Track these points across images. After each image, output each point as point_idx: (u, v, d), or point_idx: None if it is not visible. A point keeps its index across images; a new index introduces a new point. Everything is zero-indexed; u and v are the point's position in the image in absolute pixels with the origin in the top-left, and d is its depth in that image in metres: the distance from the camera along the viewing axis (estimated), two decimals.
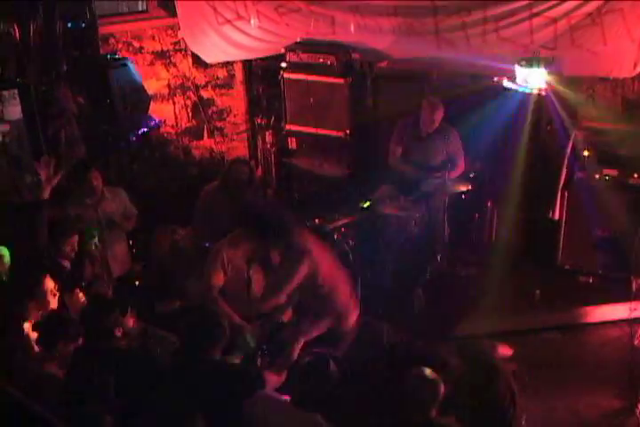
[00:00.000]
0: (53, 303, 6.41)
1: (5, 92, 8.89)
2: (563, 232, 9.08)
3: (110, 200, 8.35)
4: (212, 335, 5.65)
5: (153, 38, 10.89)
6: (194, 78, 11.23)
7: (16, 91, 8.85)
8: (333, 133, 10.38)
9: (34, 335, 6.10)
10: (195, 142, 11.51)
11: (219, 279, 7.21)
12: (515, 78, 8.81)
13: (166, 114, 11.13)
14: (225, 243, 7.33)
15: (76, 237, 7.23)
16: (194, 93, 11.28)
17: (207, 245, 8.30)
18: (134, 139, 9.81)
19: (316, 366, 5.34)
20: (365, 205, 9.46)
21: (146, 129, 10.18)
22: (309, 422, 5.19)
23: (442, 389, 5.16)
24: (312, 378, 5.28)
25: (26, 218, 7.29)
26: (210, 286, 7.19)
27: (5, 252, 6.92)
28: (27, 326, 6.22)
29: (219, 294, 7.22)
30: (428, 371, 5.22)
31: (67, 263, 7.18)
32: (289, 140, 11.14)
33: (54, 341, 5.91)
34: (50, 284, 6.40)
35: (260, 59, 11.01)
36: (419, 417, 5.07)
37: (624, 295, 8.35)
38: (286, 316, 7.38)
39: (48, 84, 9.09)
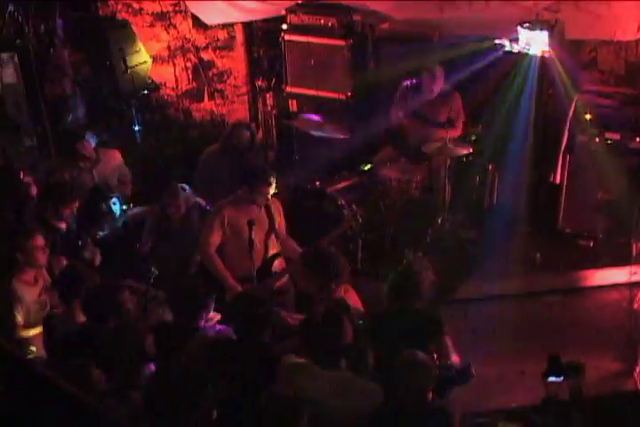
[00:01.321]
0: (42, 259, 6.43)
1: (3, 55, 8.88)
2: (564, 196, 9.07)
3: (105, 162, 8.33)
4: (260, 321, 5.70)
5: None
6: (194, 40, 11.17)
7: (14, 54, 8.85)
8: (334, 96, 10.32)
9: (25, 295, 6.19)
10: (195, 105, 11.47)
11: (216, 237, 7.26)
12: (517, 41, 8.75)
13: (166, 76, 11.10)
14: (226, 203, 7.36)
15: (76, 203, 7.23)
16: (194, 55, 11.22)
17: (208, 207, 8.33)
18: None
19: (330, 320, 5.32)
20: (366, 168, 9.47)
21: (146, 91, 10.18)
22: (340, 379, 5.20)
23: (435, 371, 5.19)
24: (328, 334, 5.24)
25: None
26: (207, 242, 7.24)
27: None
28: (17, 284, 6.28)
29: (216, 253, 7.27)
30: (420, 355, 5.23)
31: (63, 225, 7.20)
32: (290, 102, 11.10)
33: (71, 297, 5.97)
34: (40, 240, 6.42)
35: (261, 20, 10.94)
36: (414, 402, 5.09)
37: (624, 259, 8.40)
38: (281, 282, 7.45)
39: (46, 46, 9.06)
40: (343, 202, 8.94)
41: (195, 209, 8.02)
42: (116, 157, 8.57)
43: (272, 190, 7.29)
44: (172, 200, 7.85)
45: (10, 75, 9.36)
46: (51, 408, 3.08)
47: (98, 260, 7.22)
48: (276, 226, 7.45)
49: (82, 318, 5.91)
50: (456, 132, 9.15)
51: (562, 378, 5.41)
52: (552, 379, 5.44)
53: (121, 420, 3.12)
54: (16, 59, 9.06)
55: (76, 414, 2.96)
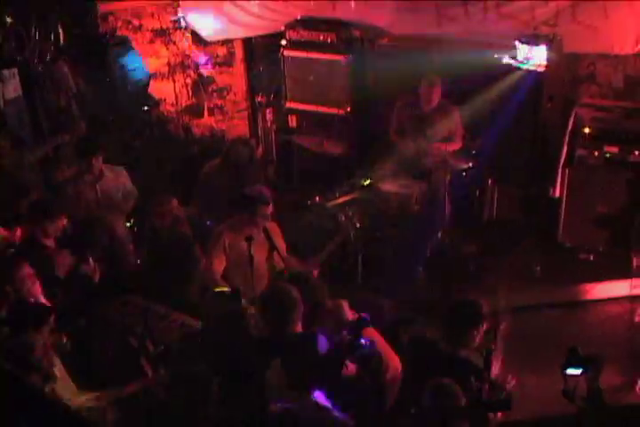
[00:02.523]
0: (33, 289, 6.35)
1: (5, 71, 8.91)
2: (563, 209, 9.08)
3: (110, 179, 8.32)
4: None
5: (152, 16, 10.85)
6: (194, 56, 11.20)
7: (15, 69, 8.87)
8: (334, 111, 10.36)
9: None
10: (195, 120, 11.49)
11: (220, 264, 7.26)
12: (515, 55, 8.78)
13: (166, 92, 11.12)
14: (226, 227, 7.38)
15: (64, 220, 7.18)
16: (194, 72, 11.25)
17: (208, 223, 8.33)
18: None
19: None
20: (366, 183, 9.47)
21: (146, 107, 10.21)
22: None
23: (463, 401, 5.18)
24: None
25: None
26: (212, 270, 7.23)
27: None
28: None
29: (221, 279, 7.27)
30: (450, 385, 5.20)
31: (50, 242, 7.14)
32: (289, 117, 11.12)
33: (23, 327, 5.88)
34: (28, 269, 6.27)
35: (261, 36, 10.99)
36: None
37: (624, 272, 8.38)
38: None
39: (47, 62, 9.09)
40: (343, 217, 8.95)
41: (181, 220, 8.00)
42: (122, 175, 8.53)
43: (270, 209, 7.35)
44: (158, 210, 7.87)
45: (12, 90, 9.40)
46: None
47: (97, 276, 7.17)
48: (277, 246, 7.46)
49: None
50: (455, 146, 9.17)
51: (580, 371, 5.32)
52: (570, 371, 5.34)
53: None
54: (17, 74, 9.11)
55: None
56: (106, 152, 8.64)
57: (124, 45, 10.07)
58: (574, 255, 9.12)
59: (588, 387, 5.25)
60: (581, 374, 5.25)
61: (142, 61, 10.26)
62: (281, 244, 7.57)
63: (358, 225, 8.89)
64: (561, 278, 8.80)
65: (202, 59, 11.25)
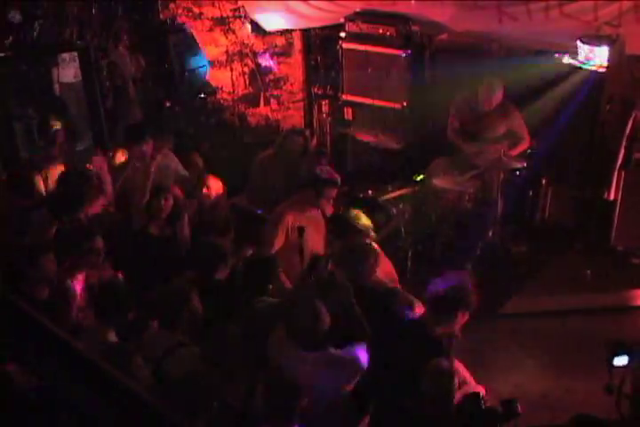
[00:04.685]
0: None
1: (65, 55, 9.01)
2: (617, 213, 8.97)
3: (161, 164, 8.33)
4: None
5: (213, 4, 10.87)
6: (252, 45, 11.23)
7: (76, 54, 8.97)
8: (390, 105, 10.32)
9: None
10: (250, 109, 11.52)
11: (279, 243, 7.26)
12: (577, 55, 8.67)
13: (223, 80, 11.15)
14: (287, 207, 7.37)
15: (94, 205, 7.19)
16: (251, 61, 11.28)
17: (260, 211, 8.36)
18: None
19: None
20: (419, 179, 9.44)
21: (203, 94, 10.26)
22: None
23: (457, 380, 5.17)
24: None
25: None
26: (269, 247, 7.23)
27: None
28: None
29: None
30: (444, 363, 5.21)
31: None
32: (345, 110, 11.11)
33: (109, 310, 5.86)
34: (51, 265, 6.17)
35: (319, 28, 10.98)
36: (439, 411, 5.11)
37: None
38: None
39: (107, 48, 9.19)
40: (395, 211, 8.93)
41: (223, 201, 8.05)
42: (173, 160, 8.58)
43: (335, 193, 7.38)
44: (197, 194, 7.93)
45: (71, 74, 9.51)
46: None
47: None
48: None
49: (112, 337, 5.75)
50: (525, 145, 9.10)
51: (627, 360, 5.20)
52: (618, 361, 5.22)
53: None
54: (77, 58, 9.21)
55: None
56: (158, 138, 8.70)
57: (184, 33, 10.14)
58: (626, 259, 9.02)
59: (634, 381, 5.16)
60: (629, 363, 5.15)
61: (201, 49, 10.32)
62: None
63: (409, 221, 8.88)
64: (612, 283, 8.70)
65: None
